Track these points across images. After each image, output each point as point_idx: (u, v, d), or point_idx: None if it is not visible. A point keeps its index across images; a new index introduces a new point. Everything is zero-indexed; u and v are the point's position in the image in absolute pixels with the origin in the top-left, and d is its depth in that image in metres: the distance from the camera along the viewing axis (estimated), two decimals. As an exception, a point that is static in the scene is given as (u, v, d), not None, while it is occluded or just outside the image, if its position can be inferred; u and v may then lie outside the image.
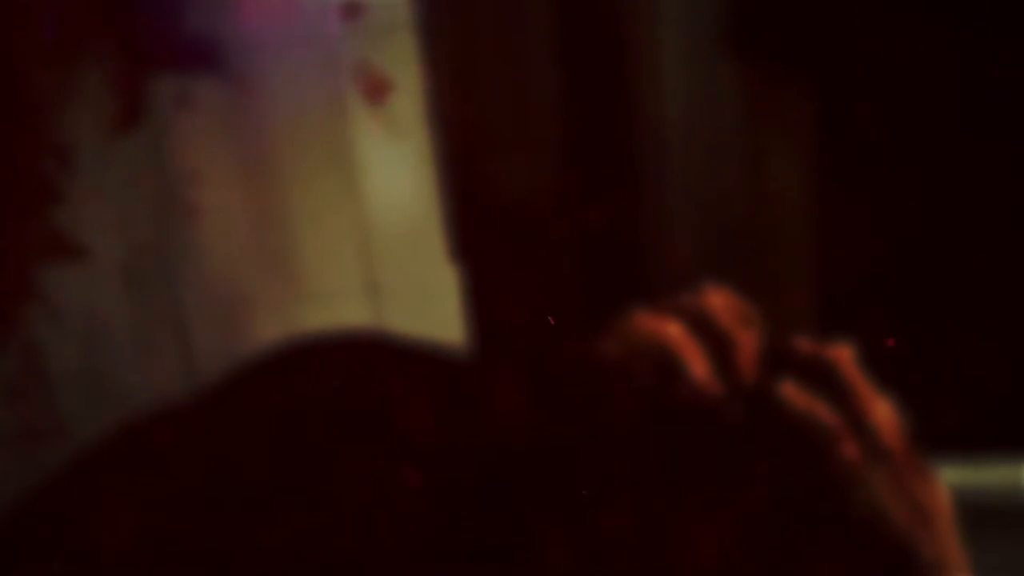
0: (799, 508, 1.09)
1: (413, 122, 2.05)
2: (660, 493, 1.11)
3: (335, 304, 2.06)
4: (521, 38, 2.50)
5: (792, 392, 1.12)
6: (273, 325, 2.05)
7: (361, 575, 1.18)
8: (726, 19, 1.85)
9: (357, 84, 2.01)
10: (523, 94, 2.51)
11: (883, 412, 1.14)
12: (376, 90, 2.02)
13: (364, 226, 2.05)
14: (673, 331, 1.12)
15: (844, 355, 1.13)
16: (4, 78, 1.87)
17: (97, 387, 1.97)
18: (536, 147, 2.50)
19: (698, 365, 1.11)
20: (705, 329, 1.14)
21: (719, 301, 1.19)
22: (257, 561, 1.22)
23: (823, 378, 1.13)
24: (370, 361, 1.39)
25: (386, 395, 1.32)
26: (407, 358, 1.38)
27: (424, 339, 1.42)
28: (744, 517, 1.10)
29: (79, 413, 1.96)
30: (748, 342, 1.13)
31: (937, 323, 1.73)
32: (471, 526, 1.16)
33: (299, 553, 1.21)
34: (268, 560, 1.22)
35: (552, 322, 2.04)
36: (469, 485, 1.18)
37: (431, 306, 2.09)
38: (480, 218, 2.35)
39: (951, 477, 1.19)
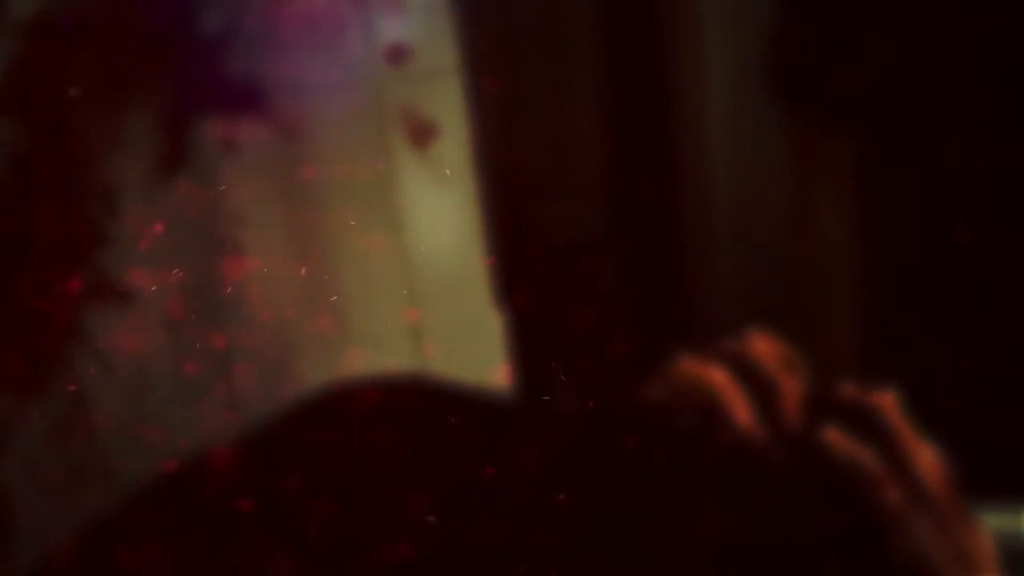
0: (843, 553, 1.09)
1: (459, 166, 2.06)
2: (702, 535, 1.11)
3: (380, 347, 2.06)
4: (568, 83, 2.50)
5: (836, 437, 1.11)
6: (318, 368, 2.05)
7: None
8: (772, 64, 1.85)
9: (403, 128, 2.02)
10: (569, 138, 2.52)
11: (927, 458, 1.13)
12: (422, 134, 2.02)
13: (409, 269, 2.05)
14: (718, 377, 1.12)
15: (888, 401, 1.12)
16: (50, 121, 1.88)
17: (142, 430, 1.98)
18: (582, 191, 2.50)
19: (742, 411, 1.11)
20: (749, 374, 1.14)
21: (763, 347, 1.19)
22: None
23: (867, 423, 1.12)
24: (415, 405, 1.39)
25: (431, 439, 1.32)
26: (452, 402, 1.38)
27: (469, 383, 1.42)
28: (787, 559, 1.09)
29: (125, 456, 1.97)
30: (792, 388, 1.13)
31: (979, 368, 1.72)
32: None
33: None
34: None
35: (597, 367, 2.03)
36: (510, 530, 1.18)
37: (476, 350, 2.09)
38: (525, 262, 2.36)
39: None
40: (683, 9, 2.42)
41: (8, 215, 1.88)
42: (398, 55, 2.01)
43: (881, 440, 1.10)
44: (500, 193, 2.21)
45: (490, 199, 2.09)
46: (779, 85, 1.86)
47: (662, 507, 1.18)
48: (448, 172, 2.05)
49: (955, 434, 1.53)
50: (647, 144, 2.59)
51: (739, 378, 1.14)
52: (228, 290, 2.01)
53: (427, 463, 1.30)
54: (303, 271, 2.03)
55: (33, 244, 1.90)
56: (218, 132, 1.97)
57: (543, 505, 1.20)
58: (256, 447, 1.42)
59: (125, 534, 1.43)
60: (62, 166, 1.89)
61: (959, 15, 1.64)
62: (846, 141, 1.78)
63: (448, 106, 2.04)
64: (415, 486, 1.30)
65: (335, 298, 2.02)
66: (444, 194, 2.06)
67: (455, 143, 2.05)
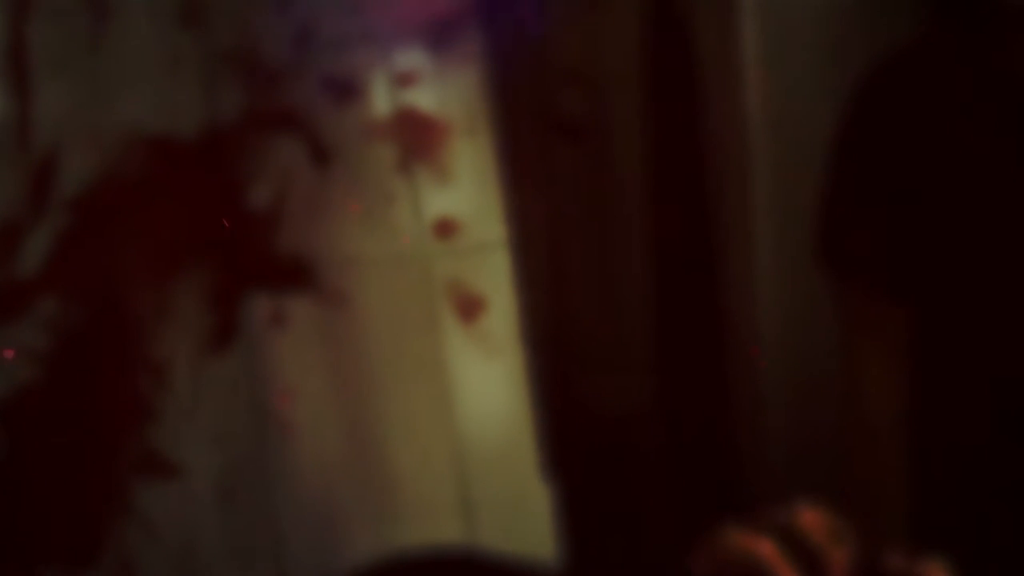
0: None
1: (506, 339, 2.07)
2: None
3: (428, 520, 2.06)
4: (615, 257, 2.52)
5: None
6: (367, 540, 2.05)
7: None
8: (821, 236, 1.86)
9: (451, 302, 2.03)
10: (617, 312, 2.53)
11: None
12: (470, 308, 2.04)
13: (457, 442, 2.05)
14: (766, 548, 1.11)
15: (936, 571, 1.11)
16: (103, 297, 1.91)
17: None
18: (629, 364, 2.51)
19: (790, 582, 1.10)
20: (797, 546, 1.13)
21: (811, 518, 1.18)
22: None
23: (915, 594, 1.11)
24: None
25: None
26: (500, 576, 1.37)
27: (517, 556, 1.41)
28: None
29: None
30: (840, 559, 1.12)
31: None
32: None
33: None
34: None
35: (645, 540, 2.02)
36: None
37: (524, 523, 2.08)
38: (573, 435, 2.35)
39: None
40: (732, 181, 2.44)
41: (60, 389, 1.90)
42: (447, 229, 2.03)
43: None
44: (548, 366, 2.21)
45: (538, 372, 2.09)
46: (828, 257, 1.87)
47: None
48: (496, 346, 2.06)
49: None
50: (696, 316, 2.60)
51: (787, 550, 1.14)
52: (277, 462, 2.01)
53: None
54: (351, 443, 2.03)
55: (85, 418, 1.92)
56: (266, 306, 1.99)
57: None
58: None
59: None
60: (112, 341, 1.91)
61: (1009, 188, 1.66)
62: (892, 308, 1.78)
63: (496, 279, 2.06)
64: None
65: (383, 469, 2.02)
66: (492, 367, 2.06)
67: (503, 316, 2.07)
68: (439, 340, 2.04)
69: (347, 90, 1.99)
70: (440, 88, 2.01)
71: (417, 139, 2.00)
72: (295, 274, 1.98)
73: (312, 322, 2.00)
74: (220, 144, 1.96)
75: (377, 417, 2.04)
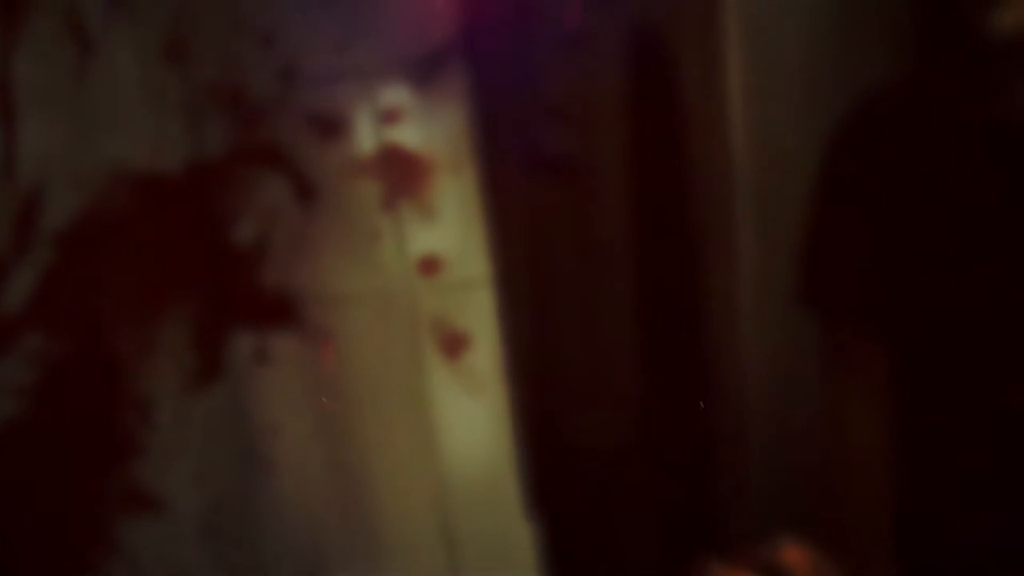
0: None
1: (490, 376, 2.07)
2: None
3: (412, 556, 2.06)
4: (598, 294, 2.52)
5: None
6: (351, 577, 2.05)
7: None
8: (802, 271, 1.86)
9: (435, 338, 2.03)
10: (600, 350, 2.53)
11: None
12: (454, 345, 2.04)
13: (441, 478, 2.05)
14: (749, 584, 1.11)
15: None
16: (87, 333, 1.90)
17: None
18: (613, 401, 2.50)
19: (773, 618, 1.10)
20: (780, 582, 1.13)
21: (795, 554, 1.18)
22: None
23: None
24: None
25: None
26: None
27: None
28: None
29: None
30: (823, 595, 1.12)
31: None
32: None
33: None
34: None
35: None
36: None
37: (508, 559, 2.08)
38: (557, 471, 2.35)
39: None
40: (717, 217, 2.45)
41: (45, 425, 1.89)
42: (431, 266, 2.03)
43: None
44: (531, 402, 2.21)
45: (521, 408, 2.09)
46: (812, 295, 1.87)
47: None
48: (480, 383, 2.06)
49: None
50: (679, 352, 2.60)
51: (771, 587, 1.14)
52: (261, 499, 2.01)
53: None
54: (335, 479, 2.03)
55: (69, 453, 1.92)
56: (251, 343, 1.99)
57: None
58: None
59: None
60: (97, 377, 1.91)
61: (993, 228, 1.66)
62: (876, 349, 1.79)
63: (480, 316, 2.06)
64: None
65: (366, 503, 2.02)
66: (476, 404, 2.06)
67: (487, 353, 2.07)
68: (423, 377, 2.04)
69: (332, 126, 1.99)
70: (425, 125, 2.02)
71: (402, 176, 2.01)
72: (279, 311, 1.99)
73: (296, 359, 2.00)
74: (204, 180, 1.97)
75: (361, 454, 2.04)
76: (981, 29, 1.57)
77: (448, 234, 2.05)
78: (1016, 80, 1.64)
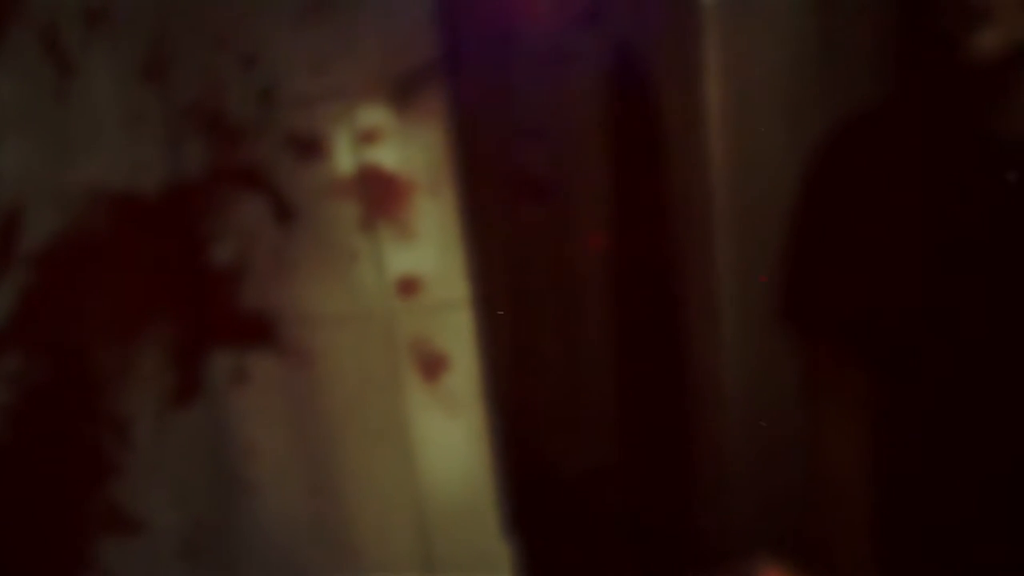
0: None
1: (469, 398, 2.07)
2: None
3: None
4: (577, 316, 2.52)
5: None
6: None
7: None
8: (782, 292, 1.87)
9: (413, 360, 2.03)
10: (579, 371, 2.53)
11: None
12: (432, 366, 2.04)
13: (419, 500, 2.05)
14: (728, 604, 1.11)
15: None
16: (66, 353, 1.90)
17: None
18: (591, 423, 2.51)
19: (751, 638, 1.10)
20: (759, 602, 1.13)
21: (775, 575, 1.19)
22: None
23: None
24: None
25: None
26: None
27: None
28: None
29: None
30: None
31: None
32: None
33: None
34: None
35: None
36: None
37: (486, 580, 2.08)
38: (535, 493, 2.35)
39: None
40: (696, 239, 2.45)
41: (23, 444, 1.89)
42: (409, 287, 2.03)
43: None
44: (510, 424, 2.21)
45: (500, 430, 2.09)
46: (791, 316, 1.88)
47: None
48: (458, 404, 2.05)
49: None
50: (658, 374, 2.60)
51: (749, 606, 1.14)
52: (239, 520, 2.00)
53: None
54: (313, 500, 2.02)
55: (48, 473, 1.91)
56: (229, 363, 1.99)
57: None
58: None
59: None
60: (75, 396, 1.91)
61: (976, 247, 1.67)
62: (855, 366, 1.79)
63: (459, 338, 2.06)
64: None
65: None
66: (454, 425, 2.06)
67: (465, 375, 2.06)
68: (401, 397, 2.04)
69: (310, 147, 1.99)
70: (403, 146, 2.02)
71: (380, 196, 2.01)
72: (258, 331, 1.98)
73: (274, 379, 2.00)
74: (183, 200, 1.97)
75: (339, 474, 2.04)
76: (964, 48, 1.58)
77: (427, 255, 2.05)
78: (1002, 98, 1.65)
